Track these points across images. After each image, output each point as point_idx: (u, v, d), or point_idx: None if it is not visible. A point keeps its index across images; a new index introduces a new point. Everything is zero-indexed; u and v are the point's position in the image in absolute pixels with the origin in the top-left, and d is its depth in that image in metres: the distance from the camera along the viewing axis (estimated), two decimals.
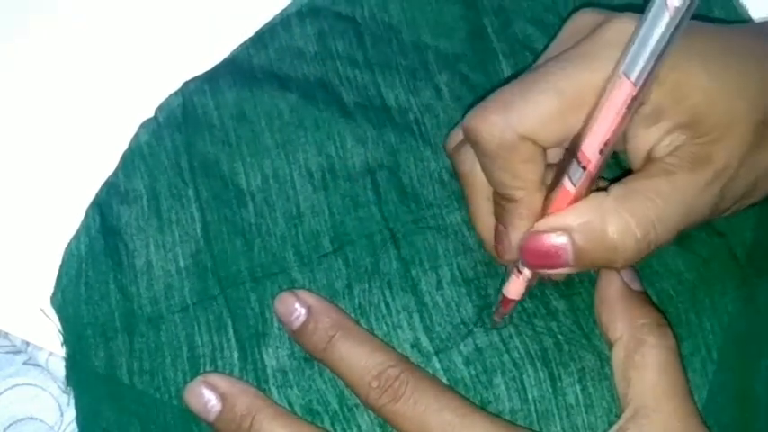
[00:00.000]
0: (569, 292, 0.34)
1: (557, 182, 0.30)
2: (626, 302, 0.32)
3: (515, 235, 0.31)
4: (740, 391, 0.31)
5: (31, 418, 0.37)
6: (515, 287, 0.33)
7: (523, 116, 0.29)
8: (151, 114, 0.40)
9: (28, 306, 0.38)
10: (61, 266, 0.37)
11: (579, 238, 0.29)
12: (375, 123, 0.38)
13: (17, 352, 0.38)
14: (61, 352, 0.37)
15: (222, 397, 0.33)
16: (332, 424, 0.33)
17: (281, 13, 0.41)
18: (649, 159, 0.30)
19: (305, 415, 0.33)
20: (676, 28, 0.25)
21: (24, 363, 0.38)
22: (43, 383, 0.38)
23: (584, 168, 0.28)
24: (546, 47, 0.34)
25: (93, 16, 0.43)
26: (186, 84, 0.40)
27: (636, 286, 0.33)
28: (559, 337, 0.34)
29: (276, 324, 0.35)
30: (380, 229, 0.36)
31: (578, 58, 0.29)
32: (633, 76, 0.26)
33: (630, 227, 0.28)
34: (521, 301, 0.34)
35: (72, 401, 0.37)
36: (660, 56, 0.26)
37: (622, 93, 0.27)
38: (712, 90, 0.29)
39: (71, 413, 0.37)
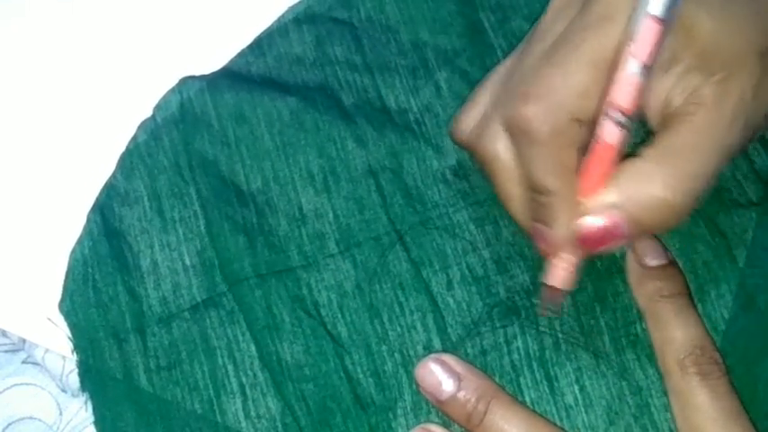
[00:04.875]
0: (575, 286, 0.35)
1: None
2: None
3: (561, 229, 0.31)
4: (742, 393, 0.32)
5: (30, 418, 0.37)
6: (558, 274, 0.33)
7: (570, 95, 0.29)
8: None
9: (23, 303, 0.38)
10: (67, 272, 0.37)
11: (632, 211, 0.29)
12: (375, 125, 0.39)
13: (15, 350, 0.38)
14: (57, 348, 0.37)
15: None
16: (344, 421, 0.34)
17: (277, 21, 0.41)
18: (667, 108, 0.30)
19: (318, 411, 0.34)
20: None
21: (23, 362, 0.38)
22: (42, 382, 0.37)
23: (623, 114, 0.28)
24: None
25: (90, 18, 0.43)
26: (184, 80, 0.40)
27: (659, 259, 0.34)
28: (559, 335, 0.34)
29: (287, 320, 0.35)
30: (387, 231, 0.37)
31: (597, 23, 0.29)
32: (660, 12, 0.26)
33: (680, 185, 0.29)
34: (564, 291, 0.34)
35: (70, 400, 0.37)
36: None
37: (650, 33, 0.27)
38: (718, 28, 0.29)
39: (70, 412, 0.37)
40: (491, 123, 0.33)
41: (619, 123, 0.29)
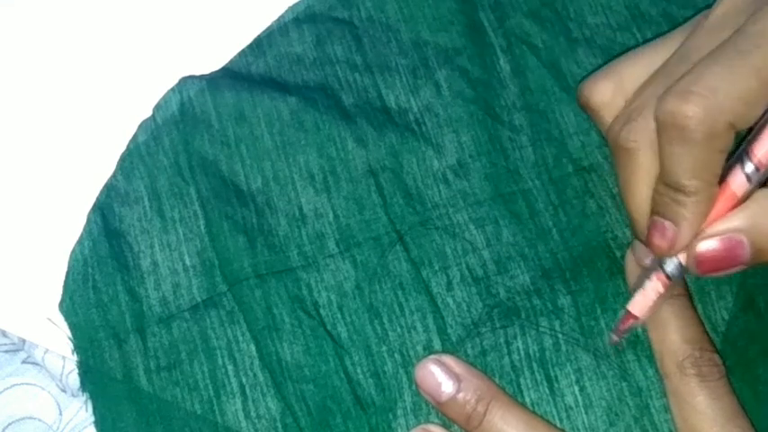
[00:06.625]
0: (576, 287, 0.35)
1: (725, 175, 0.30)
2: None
3: (688, 231, 0.30)
4: (742, 393, 0.32)
5: (30, 418, 0.37)
6: (643, 302, 0.32)
7: (733, 101, 0.28)
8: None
9: (23, 303, 0.38)
10: (67, 272, 0.37)
11: (756, 239, 0.29)
12: (375, 125, 0.39)
13: (16, 350, 0.38)
14: (57, 348, 0.37)
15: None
16: (344, 422, 0.34)
17: (278, 20, 0.41)
18: None
19: (318, 411, 0.34)
20: None
21: (23, 362, 0.38)
22: (42, 382, 0.37)
23: (757, 169, 0.28)
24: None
25: (90, 18, 0.43)
26: (184, 80, 0.40)
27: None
28: (560, 336, 0.34)
29: (287, 320, 0.35)
30: (387, 231, 0.37)
31: None
32: None
33: None
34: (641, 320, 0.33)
35: (70, 400, 0.37)
36: None
37: None
38: None
39: (70, 412, 0.37)
40: (642, 113, 0.31)
41: (748, 176, 0.29)
